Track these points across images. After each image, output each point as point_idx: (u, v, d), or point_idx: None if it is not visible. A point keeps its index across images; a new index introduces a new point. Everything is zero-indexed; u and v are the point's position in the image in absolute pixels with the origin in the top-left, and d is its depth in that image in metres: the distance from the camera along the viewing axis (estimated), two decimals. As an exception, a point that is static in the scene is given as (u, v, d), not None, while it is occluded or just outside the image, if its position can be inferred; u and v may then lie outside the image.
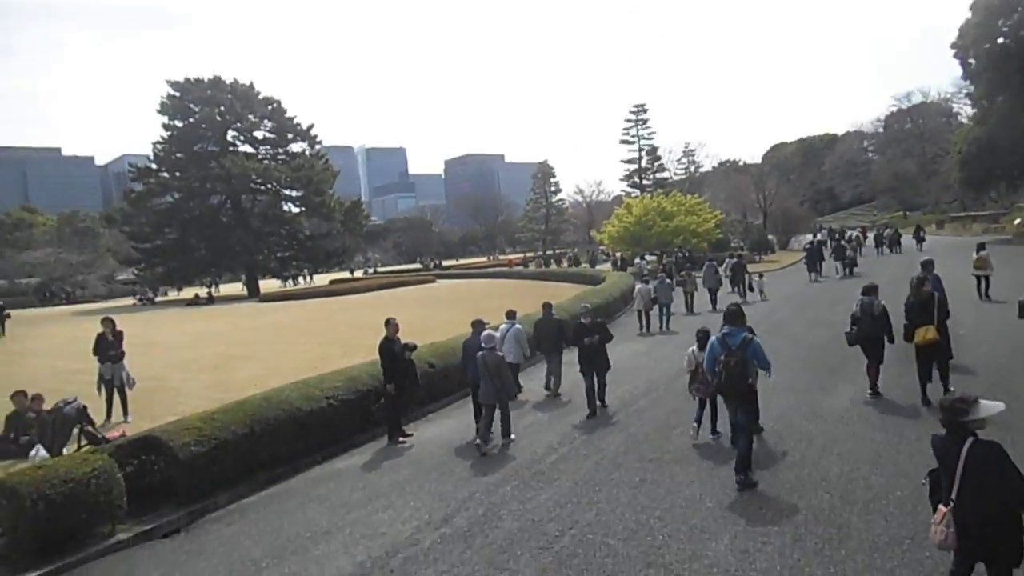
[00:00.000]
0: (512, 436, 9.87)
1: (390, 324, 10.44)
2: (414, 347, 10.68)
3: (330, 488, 8.76)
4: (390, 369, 10.25)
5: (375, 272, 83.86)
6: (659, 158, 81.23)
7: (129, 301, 55.74)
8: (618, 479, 8.03)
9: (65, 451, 9.27)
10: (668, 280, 20.88)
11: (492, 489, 8.12)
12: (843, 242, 35.44)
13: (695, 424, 9.10)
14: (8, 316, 30.48)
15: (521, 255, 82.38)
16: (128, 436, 9.27)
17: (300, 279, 63.56)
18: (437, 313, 26.38)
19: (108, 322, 12.13)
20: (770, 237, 51.10)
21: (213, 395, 13.48)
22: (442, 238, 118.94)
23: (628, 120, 79.36)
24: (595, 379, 10.89)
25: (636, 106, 79.26)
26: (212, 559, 6.99)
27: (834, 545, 5.84)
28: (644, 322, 19.82)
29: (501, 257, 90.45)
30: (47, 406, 10.34)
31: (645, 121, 79.15)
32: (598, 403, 10.90)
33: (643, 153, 79.82)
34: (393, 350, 10.27)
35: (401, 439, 10.43)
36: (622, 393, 11.99)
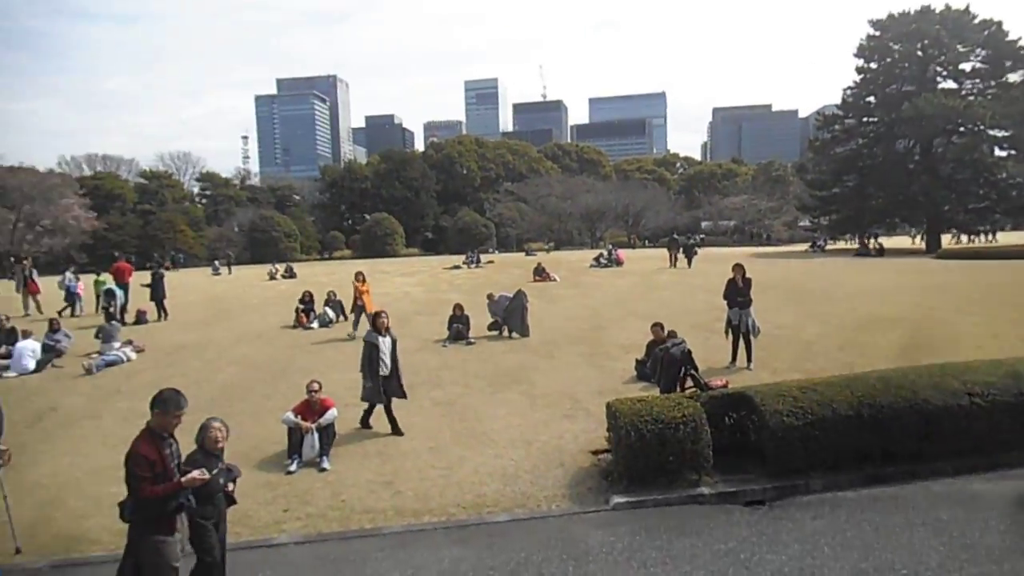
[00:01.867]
0: None
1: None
2: None
3: (955, 515, 6.56)
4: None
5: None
6: None
7: (803, 247, 57.36)
8: None
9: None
10: None
11: None
12: None
13: None
14: (695, 252, 35.20)
15: None
16: (727, 388, 8.99)
17: (979, 236, 52.76)
18: None
19: (738, 268, 12.13)
20: None
21: (844, 358, 12.21)
22: None
23: None
24: None
25: None
26: (783, 554, 6.01)
27: None
28: None
29: None
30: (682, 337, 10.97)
31: None
32: None
33: None
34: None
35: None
36: None
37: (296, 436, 8.64)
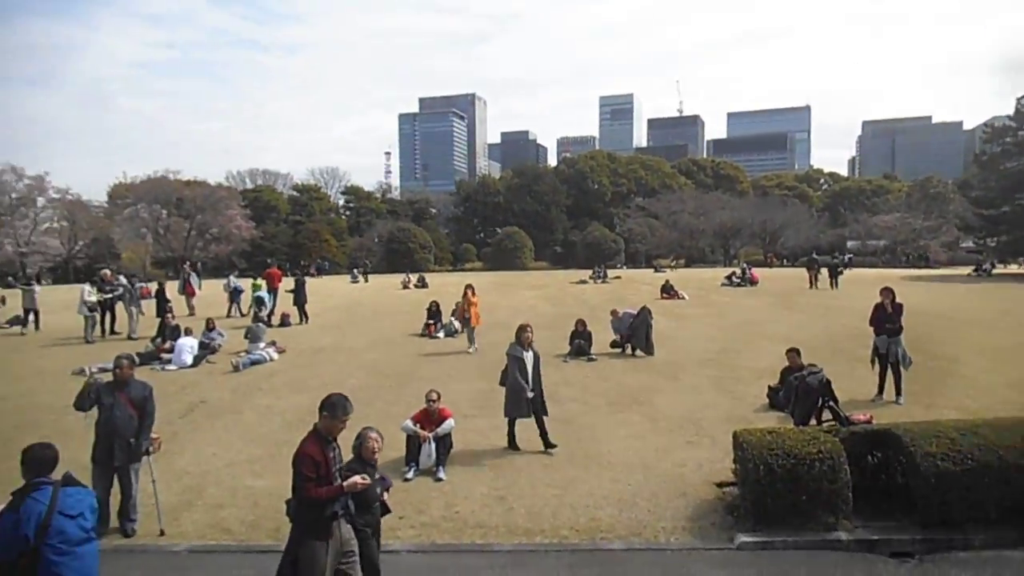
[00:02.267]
0: None
1: None
2: None
3: None
4: None
5: None
6: None
7: (965, 271, 52.02)
8: None
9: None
10: None
11: None
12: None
13: None
14: (842, 272, 32.85)
15: None
16: (871, 424, 8.17)
17: None
18: None
19: (887, 291, 11.07)
20: None
21: (1014, 397, 10.87)
22: None
23: None
24: None
25: None
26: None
27: None
28: None
29: None
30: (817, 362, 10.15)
31: None
32: None
33: None
34: None
35: None
36: None
37: (414, 444, 8.80)
